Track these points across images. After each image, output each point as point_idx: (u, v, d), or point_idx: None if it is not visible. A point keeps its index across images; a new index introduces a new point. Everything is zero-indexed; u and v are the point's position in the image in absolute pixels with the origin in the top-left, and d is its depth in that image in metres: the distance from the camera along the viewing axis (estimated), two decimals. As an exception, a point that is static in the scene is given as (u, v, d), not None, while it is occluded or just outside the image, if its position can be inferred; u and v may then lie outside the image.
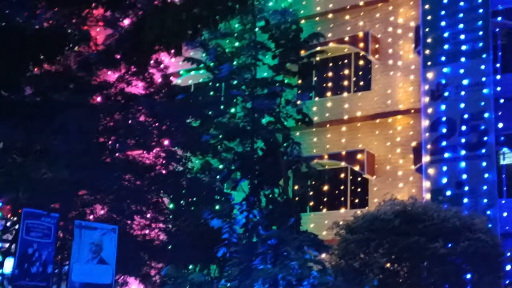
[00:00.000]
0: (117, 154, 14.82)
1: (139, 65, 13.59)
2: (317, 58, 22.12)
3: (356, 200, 22.37)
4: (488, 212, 18.25)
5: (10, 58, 10.99)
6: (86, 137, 13.64)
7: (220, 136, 11.16)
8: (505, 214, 19.21)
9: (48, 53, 12.15)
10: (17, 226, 13.50)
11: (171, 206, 16.23)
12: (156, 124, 14.91)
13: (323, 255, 12.15)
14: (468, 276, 14.06)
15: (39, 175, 11.77)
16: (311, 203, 23.13)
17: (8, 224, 14.59)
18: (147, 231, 16.22)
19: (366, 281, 11.24)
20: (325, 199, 23.26)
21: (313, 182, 21.43)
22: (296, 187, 21.04)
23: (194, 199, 14.75)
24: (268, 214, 10.46)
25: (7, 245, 14.52)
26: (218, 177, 12.28)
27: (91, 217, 14.76)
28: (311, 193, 23.07)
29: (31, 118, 11.74)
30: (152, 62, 15.20)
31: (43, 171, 11.60)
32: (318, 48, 19.87)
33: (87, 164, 13.32)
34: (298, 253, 9.03)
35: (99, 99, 15.07)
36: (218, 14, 7.15)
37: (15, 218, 14.26)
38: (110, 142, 14.76)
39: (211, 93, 13.41)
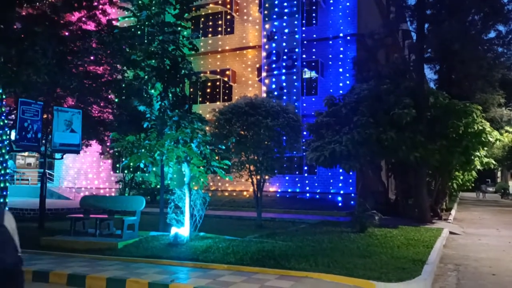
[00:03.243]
0: (80, 68, 13.74)
1: (89, 10, 12.39)
2: (203, 13, 21.29)
3: (225, 97, 22.46)
4: (296, 104, 19.03)
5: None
6: (59, 56, 12.49)
7: (143, 57, 10.59)
8: (304, 104, 20.17)
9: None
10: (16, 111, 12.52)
11: (116, 100, 15.48)
12: (103, 48, 13.86)
13: (207, 128, 12.21)
14: (284, 138, 14.74)
15: (29, 79, 10.74)
16: (200, 99, 22.96)
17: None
18: (101, 114, 15.51)
19: (229, 140, 11.42)
20: (208, 96, 23.15)
21: (199, 86, 21.21)
22: (191, 90, 20.69)
23: (129, 95, 14.12)
24: (173, 103, 10.21)
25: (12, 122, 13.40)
26: (143, 82, 11.71)
27: (65, 105, 13.84)
28: (199, 93, 22.84)
29: (21, 42, 10.50)
30: (99, 11, 13.96)
31: (32, 76, 10.57)
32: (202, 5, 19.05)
33: (61, 72, 12.30)
34: (190, 125, 8.96)
35: (66, 33, 13.68)
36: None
37: (14, 107, 13.16)
38: (74, 59, 13.59)
39: (139, 32, 12.44)
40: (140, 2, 10.06)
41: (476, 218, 18.76)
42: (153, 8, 10.22)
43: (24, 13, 12.87)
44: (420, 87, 15.10)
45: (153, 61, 10.44)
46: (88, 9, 12.56)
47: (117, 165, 24.04)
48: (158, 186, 21.14)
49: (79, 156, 23.24)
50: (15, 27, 12.13)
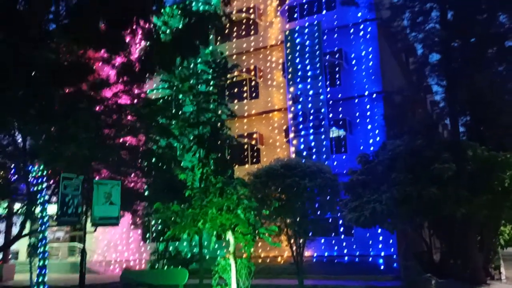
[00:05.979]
0: (116, 141, 14.01)
1: (138, 84, 12.73)
2: (228, 81, 21.97)
3: (254, 160, 22.41)
4: (326, 163, 18.74)
5: (47, 83, 10.07)
6: (97, 129, 12.81)
7: (185, 125, 10.67)
8: (335, 163, 19.89)
9: (72, 80, 11.25)
10: (53, 186, 12.66)
11: (145, 169, 15.55)
12: (139, 120, 14.18)
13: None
14: (318, 198, 14.23)
15: (70, 154, 10.93)
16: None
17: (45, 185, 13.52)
18: (135, 185, 15.54)
19: (272, 204, 11.06)
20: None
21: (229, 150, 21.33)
22: (219, 154, 20.73)
23: (164, 164, 14.14)
24: (215, 169, 10.15)
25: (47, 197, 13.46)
26: (179, 151, 11.71)
27: (97, 177, 13.93)
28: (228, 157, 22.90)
29: (65, 119, 10.83)
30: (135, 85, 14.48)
31: (73, 151, 10.75)
32: (229, 76, 19.50)
33: (98, 146, 12.52)
34: (235, 191, 8.79)
35: (101, 107, 14.14)
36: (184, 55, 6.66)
37: (53, 182, 13.31)
38: (111, 133, 13.89)
39: (172, 103, 12.69)
40: (182, 74, 10.36)
41: (530, 276, 17.39)
42: (192, 79, 10.50)
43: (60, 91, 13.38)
44: (457, 141, 14.79)
45: (194, 129, 10.52)
46: (126, 84, 12.98)
47: (147, 235, 23.67)
48: (189, 256, 20.57)
49: (109, 228, 23.02)
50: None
